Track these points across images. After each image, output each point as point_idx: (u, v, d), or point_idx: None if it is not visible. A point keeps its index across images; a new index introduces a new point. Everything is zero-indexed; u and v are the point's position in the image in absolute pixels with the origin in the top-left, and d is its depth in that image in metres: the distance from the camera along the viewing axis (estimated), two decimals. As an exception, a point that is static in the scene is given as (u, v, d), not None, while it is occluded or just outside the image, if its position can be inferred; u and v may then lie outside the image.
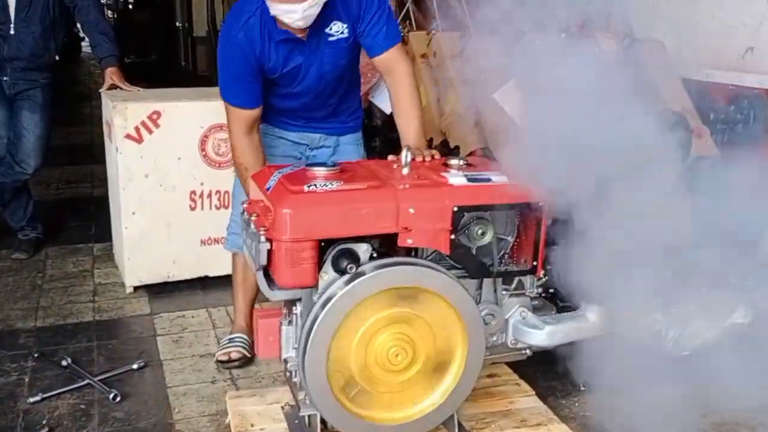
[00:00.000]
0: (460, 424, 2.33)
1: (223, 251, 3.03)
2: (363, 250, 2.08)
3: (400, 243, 2.07)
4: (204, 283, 3.60)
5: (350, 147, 2.83)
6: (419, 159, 2.33)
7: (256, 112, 2.56)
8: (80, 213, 4.85)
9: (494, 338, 2.37)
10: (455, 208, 2.10)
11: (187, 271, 3.61)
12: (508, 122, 2.71)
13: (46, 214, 4.45)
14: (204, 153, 3.50)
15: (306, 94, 2.64)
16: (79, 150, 6.57)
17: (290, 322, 2.17)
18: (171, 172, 3.49)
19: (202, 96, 3.63)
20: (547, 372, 2.76)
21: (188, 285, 3.59)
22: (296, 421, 2.32)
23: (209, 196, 3.55)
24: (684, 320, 2.58)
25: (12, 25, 3.77)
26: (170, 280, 3.60)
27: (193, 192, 3.54)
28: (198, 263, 3.60)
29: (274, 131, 2.79)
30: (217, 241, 3.49)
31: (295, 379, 2.19)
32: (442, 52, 3.72)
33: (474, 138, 3.44)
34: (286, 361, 2.20)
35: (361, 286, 2.03)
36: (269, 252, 2.00)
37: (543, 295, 2.44)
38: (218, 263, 3.49)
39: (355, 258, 2.05)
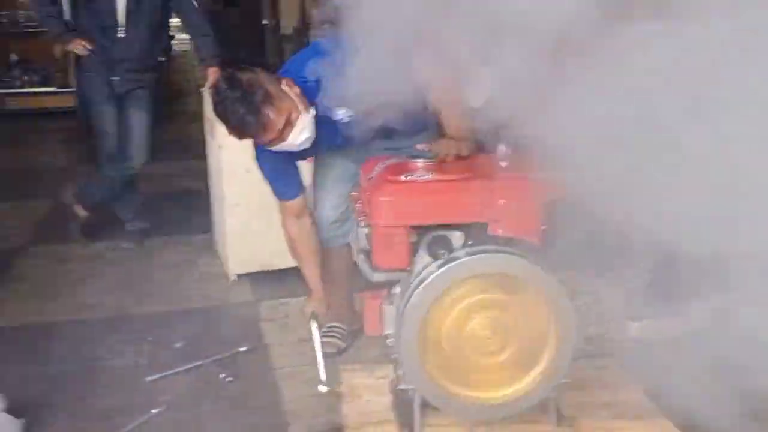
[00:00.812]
0: (559, 411, 2.51)
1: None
2: (457, 237, 2.31)
3: (491, 232, 2.29)
4: (305, 271, 3.90)
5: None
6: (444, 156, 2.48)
7: (300, 201, 2.91)
8: (180, 205, 5.23)
9: (593, 329, 2.56)
10: (545, 201, 2.30)
11: (288, 260, 3.91)
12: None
13: (149, 206, 4.87)
14: (302, 147, 3.79)
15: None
16: (176, 146, 7.03)
17: (391, 302, 2.44)
18: (272, 167, 3.80)
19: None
20: (657, 366, 2.91)
21: (289, 273, 3.83)
22: (403, 401, 2.54)
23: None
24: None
25: (121, 29, 4.17)
26: (272, 269, 3.93)
27: (293, 184, 3.85)
28: (299, 253, 3.90)
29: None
30: (315, 232, 3.78)
31: (395, 355, 2.46)
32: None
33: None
34: (387, 338, 2.47)
35: (452, 270, 2.27)
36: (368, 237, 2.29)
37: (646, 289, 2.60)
38: (319, 252, 3.79)
39: (448, 244, 2.30)
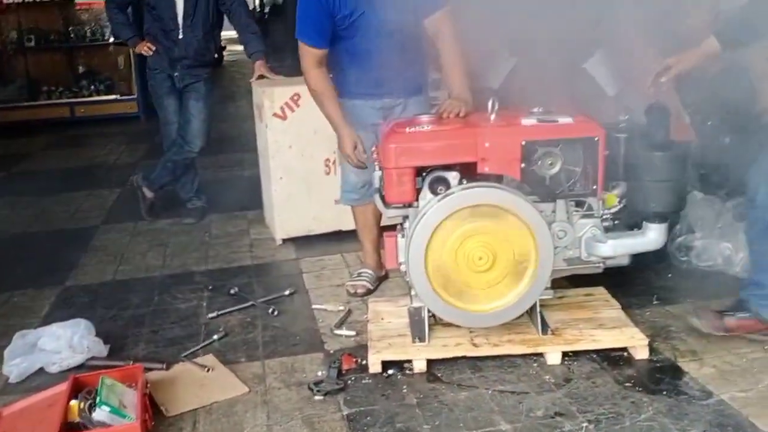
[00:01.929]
0: (543, 320, 3.05)
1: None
2: (452, 176, 2.88)
3: (479, 170, 2.84)
4: (339, 235, 4.45)
5: (418, 106, 3.48)
6: (448, 113, 3.05)
7: (323, 52, 3.37)
8: (234, 189, 5.89)
9: (570, 252, 3.03)
10: (523, 142, 2.84)
11: (325, 225, 4.51)
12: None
13: (208, 191, 5.53)
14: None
15: (373, 51, 3.30)
16: (231, 141, 7.72)
17: (403, 236, 3.01)
18: (309, 143, 4.40)
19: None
20: (632, 291, 3.49)
21: (326, 237, 4.47)
22: (415, 318, 3.08)
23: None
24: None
25: (180, 31, 4.83)
26: (311, 233, 4.53)
27: (328, 159, 4.44)
28: (334, 219, 4.47)
29: (354, 104, 3.51)
30: (349, 200, 4.35)
31: (407, 279, 3.02)
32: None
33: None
34: (401, 264, 3.03)
35: (448, 202, 2.83)
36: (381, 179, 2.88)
37: (615, 221, 3.11)
38: (351, 219, 4.36)
39: (445, 182, 2.87)
